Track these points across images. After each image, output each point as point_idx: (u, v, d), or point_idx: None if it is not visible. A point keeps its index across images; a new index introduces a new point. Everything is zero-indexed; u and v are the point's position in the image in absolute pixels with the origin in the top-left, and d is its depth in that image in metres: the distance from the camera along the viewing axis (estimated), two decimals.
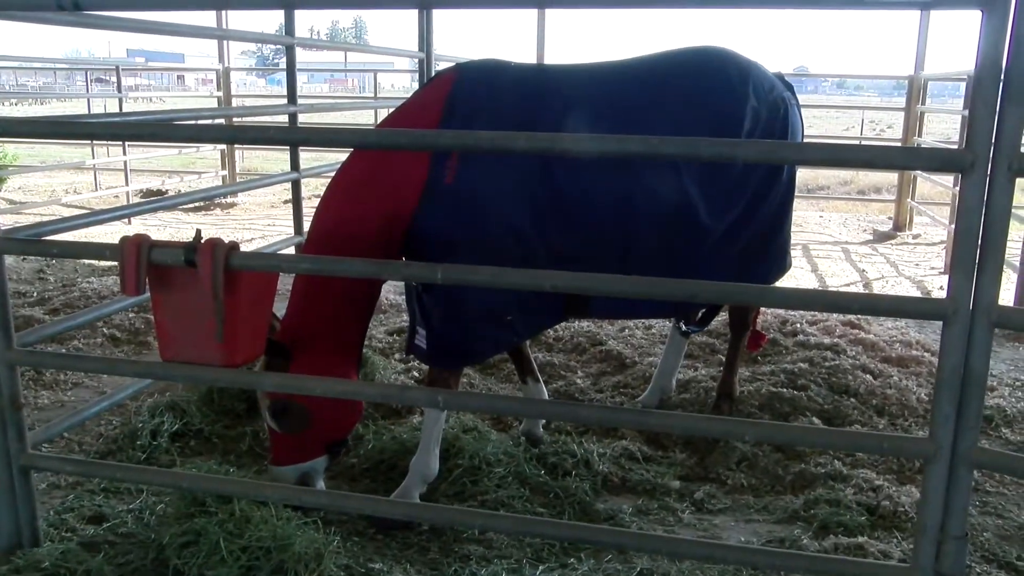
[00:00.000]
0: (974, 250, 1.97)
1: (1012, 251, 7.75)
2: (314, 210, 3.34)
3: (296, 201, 4.95)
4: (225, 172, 11.89)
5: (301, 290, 3.26)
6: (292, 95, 4.67)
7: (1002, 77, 1.87)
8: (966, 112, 8.77)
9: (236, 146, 11.96)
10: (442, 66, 6.78)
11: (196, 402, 4.18)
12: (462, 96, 3.28)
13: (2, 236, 2.63)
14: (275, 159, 16.66)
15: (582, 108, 3.33)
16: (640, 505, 3.51)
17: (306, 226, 4.24)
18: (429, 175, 3.18)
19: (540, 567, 2.94)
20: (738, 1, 2.44)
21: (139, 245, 2.47)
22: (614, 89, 3.46)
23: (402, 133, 2.71)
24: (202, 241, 2.46)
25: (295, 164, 4.79)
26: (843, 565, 2.40)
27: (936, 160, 2.30)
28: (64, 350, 5.05)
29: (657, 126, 3.31)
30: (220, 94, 11.52)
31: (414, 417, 4.19)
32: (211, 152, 12.50)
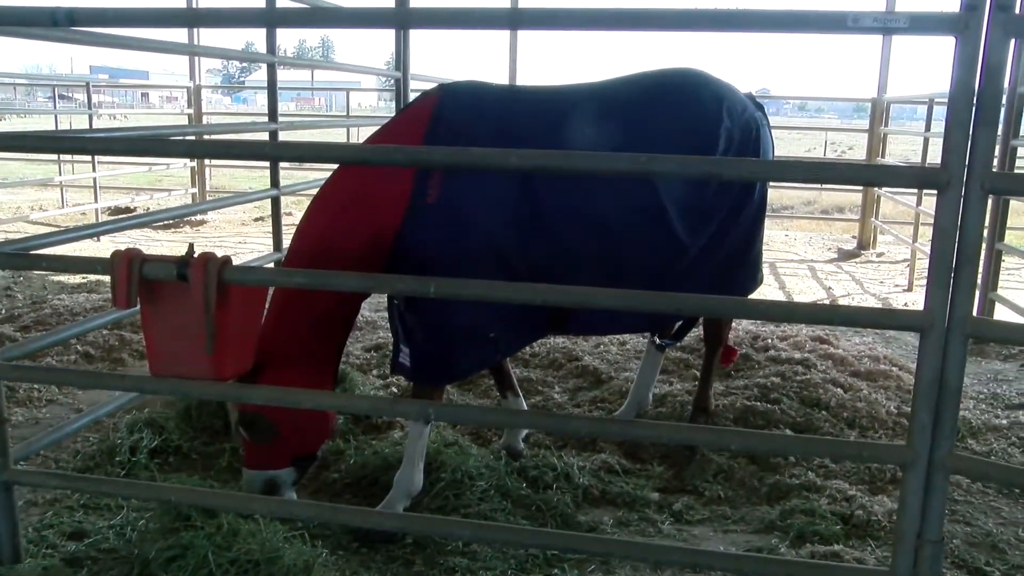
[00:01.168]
0: (950, 265, 2.06)
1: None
2: (296, 226, 3.37)
3: (276, 218, 4.96)
4: (195, 190, 11.82)
5: (279, 305, 3.27)
6: (273, 113, 4.69)
7: (975, 100, 1.97)
8: (927, 134, 9.02)
9: (206, 163, 11.92)
10: (416, 85, 6.90)
11: (175, 419, 4.16)
12: (446, 115, 3.33)
13: None
14: (243, 176, 16.59)
15: (564, 129, 3.40)
16: (620, 517, 3.56)
17: (285, 243, 4.26)
18: (412, 192, 3.22)
19: None
20: (718, 24, 2.53)
21: (131, 259, 2.49)
22: (595, 110, 3.53)
23: (396, 149, 2.76)
24: (194, 256, 2.48)
25: (275, 181, 4.81)
26: (826, 571, 2.47)
27: (915, 179, 2.40)
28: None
29: (636, 146, 3.37)
30: (191, 111, 11.47)
31: (395, 432, 4.21)
32: (180, 170, 12.42)
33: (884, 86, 10.36)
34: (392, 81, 6.36)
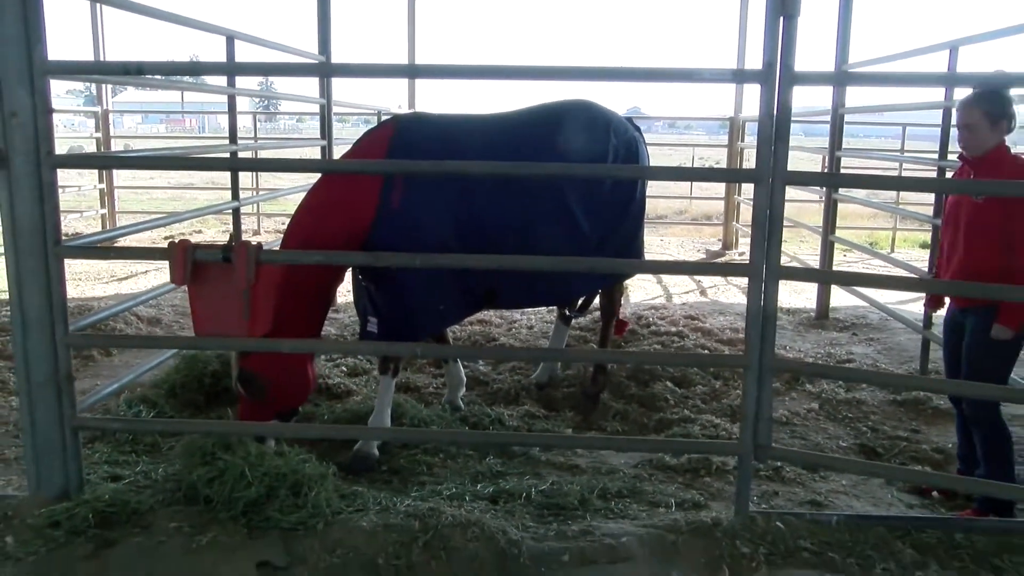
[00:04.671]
0: (764, 231, 3.17)
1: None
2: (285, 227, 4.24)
3: (236, 224, 5.69)
4: (104, 211, 12.20)
5: (280, 287, 4.12)
6: (233, 135, 5.48)
7: (774, 123, 3.08)
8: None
9: (115, 185, 12.34)
10: (338, 110, 7.81)
11: (164, 395, 4.90)
12: (401, 139, 4.28)
13: (65, 245, 3.39)
14: (156, 199, 17.08)
15: (491, 149, 4.38)
16: (545, 447, 4.57)
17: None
18: (380, 200, 4.15)
19: (477, 485, 3.93)
20: (577, 75, 3.57)
21: (185, 247, 3.33)
22: (513, 133, 4.55)
23: (374, 163, 3.71)
24: (235, 243, 3.34)
25: (236, 194, 5.58)
26: (697, 445, 3.55)
27: (740, 176, 3.51)
28: None
29: (546, 160, 4.44)
30: (99, 135, 11.86)
31: (355, 397, 5.10)
32: (91, 191, 12.77)
33: (740, 106, 11.86)
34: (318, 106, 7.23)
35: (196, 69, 3.43)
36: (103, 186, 12.19)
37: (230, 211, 5.90)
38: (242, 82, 5.50)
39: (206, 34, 5.24)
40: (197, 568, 3.05)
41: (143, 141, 24.01)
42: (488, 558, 3.09)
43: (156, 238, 11.14)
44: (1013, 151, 3.73)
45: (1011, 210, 3.53)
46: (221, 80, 5.85)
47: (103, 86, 12.02)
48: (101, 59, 11.30)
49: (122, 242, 9.20)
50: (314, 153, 7.49)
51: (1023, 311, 3.55)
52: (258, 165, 5.01)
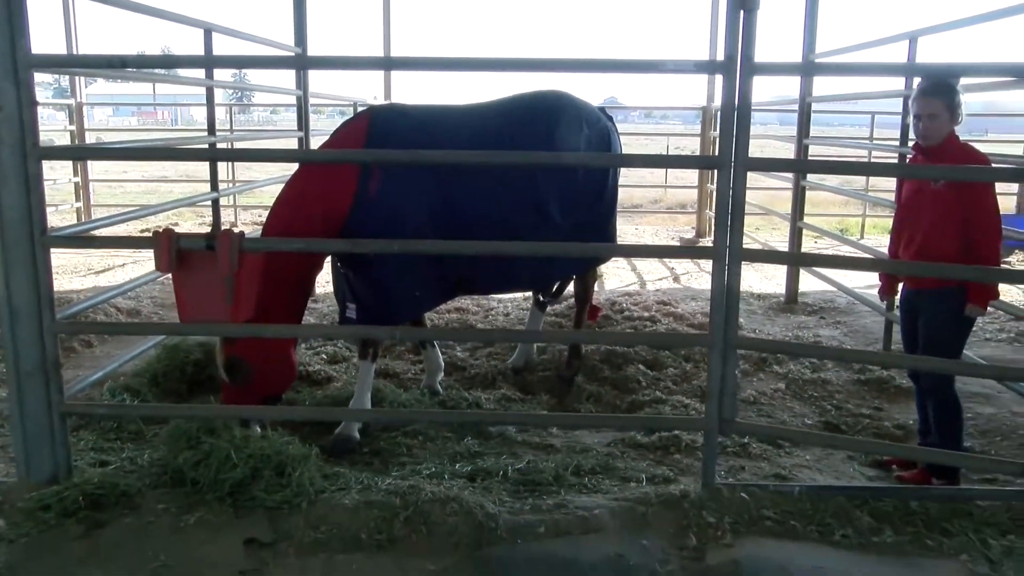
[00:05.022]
0: (727, 216, 3.32)
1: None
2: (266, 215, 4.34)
3: (216, 215, 5.77)
4: (80, 204, 12.18)
5: (262, 275, 4.22)
6: (212, 127, 5.56)
7: (735, 112, 3.22)
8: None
9: (90, 179, 12.33)
10: (314, 101, 7.89)
11: (146, 384, 4.98)
12: (377, 129, 4.39)
13: (51, 235, 3.48)
14: (130, 193, 17.05)
15: (465, 139, 4.50)
16: (520, 427, 4.71)
17: None
18: (357, 188, 4.26)
19: (456, 464, 4.07)
20: (548, 66, 3.71)
21: (170, 236, 3.43)
22: (487, 125, 4.66)
23: (351, 153, 3.82)
24: (218, 232, 3.44)
25: (214, 185, 5.65)
26: (665, 421, 3.71)
27: (703, 162, 3.67)
28: None
29: (520, 151, 4.56)
30: (73, 128, 11.82)
31: (335, 383, 5.21)
32: (65, 184, 12.72)
33: (712, 96, 12.03)
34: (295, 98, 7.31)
35: (177, 62, 3.52)
36: (78, 179, 12.16)
37: (208, 203, 5.99)
38: (218, 74, 5.55)
39: (176, 25, 5.31)
40: (186, 546, 3.17)
41: (116, 134, 23.87)
42: (467, 531, 3.23)
43: (132, 230, 11.14)
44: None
45: (965, 196, 3.72)
46: (197, 72, 5.91)
47: (76, 79, 12.00)
48: (74, 51, 11.32)
49: (105, 233, 9.28)
50: (290, 144, 7.56)
51: (990, 292, 3.78)
52: (244, 155, 5.11)
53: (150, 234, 3.45)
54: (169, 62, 3.48)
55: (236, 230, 3.50)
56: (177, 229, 12.42)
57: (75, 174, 12.24)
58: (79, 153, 3.87)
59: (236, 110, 15.47)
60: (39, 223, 3.34)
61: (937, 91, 3.79)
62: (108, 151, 3.74)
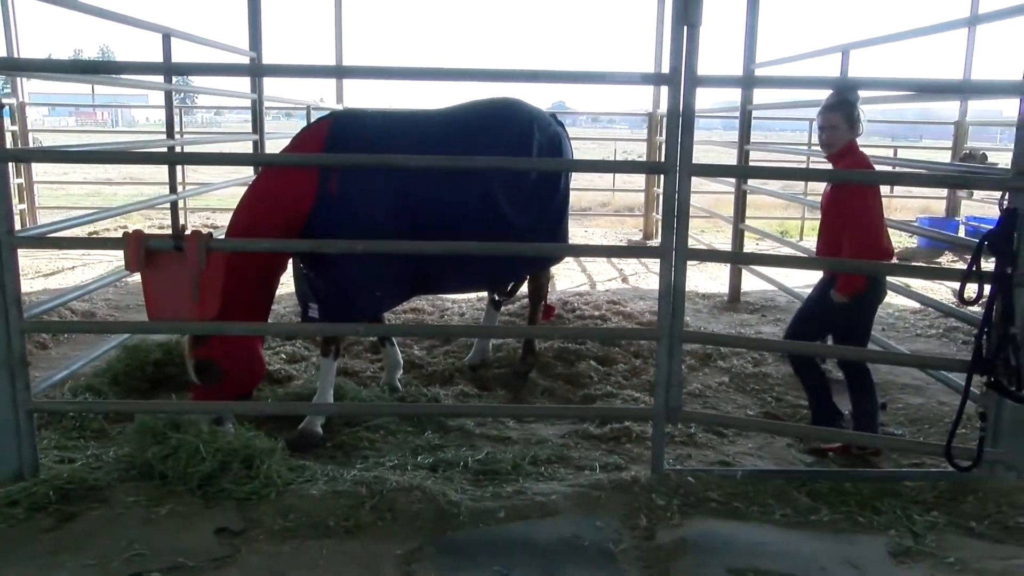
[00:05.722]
0: (673, 217, 3.54)
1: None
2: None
3: (174, 217, 5.83)
4: (24, 206, 11.99)
5: (227, 274, 4.32)
6: (170, 130, 5.62)
7: (680, 121, 3.45)
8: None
9: (34, 181, 12.14)
10: (269, 104, 7.97)
11: (108, 384, 5.03)
12: (337, 132, 4.53)
13: (18, 235, 3.55)
14: (73, 195, 16.85)
15: (422, 143, 4.67)
16: (479, 421, 4.88)
17: None
18: (318, 187, 4.40)
19: (418, 457, 4.23)
20: (507, 76, 3.91)
21: (139, 237, 3.53)
22: (443, 129, 4.84)
23: (316, 157, 3.96)
24: (187, 232, 3.55)
25: (173, 188, 5.72)
26: (616, 411, 3.92)
27: (650, 168, 3.89)
28: None
29: (475, 154, 4.75)
30: (15, 128, 11.63)
31: (296, 381, 5.32)
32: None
33: (658, 103, 12.37)
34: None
35: (138, 68, 3.61)
36: (21, 181, 11.97)
37: (165, 205, 6.03)
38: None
39: (114, 24, 5.34)
40: (159, 535, 3.27)
41: (56, 136, 23.35)
42: (431, 517, 3.40)
43: (81, 232, 11.01)
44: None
45: (841, 199, 4.20)
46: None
47: (18, 79, 11.82)
48: (15, 53, 11.11)
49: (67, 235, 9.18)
50: (245, 147, 7.63)
51: (851, 282, 4.21)
52: (215, 159, 5.14)
53: (119, 235, 3.54)
54: (133, 67, 3.59)
55: (205, 231, 3.62)
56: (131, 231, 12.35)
57: (17, 175, 12.03)
58: (49, 156, 3.88)
59: (182, 112, 15.36)
60: (5, 223, 3.42)
61: (837, 106, 4.20)
62: (79, 154, 3.83)
